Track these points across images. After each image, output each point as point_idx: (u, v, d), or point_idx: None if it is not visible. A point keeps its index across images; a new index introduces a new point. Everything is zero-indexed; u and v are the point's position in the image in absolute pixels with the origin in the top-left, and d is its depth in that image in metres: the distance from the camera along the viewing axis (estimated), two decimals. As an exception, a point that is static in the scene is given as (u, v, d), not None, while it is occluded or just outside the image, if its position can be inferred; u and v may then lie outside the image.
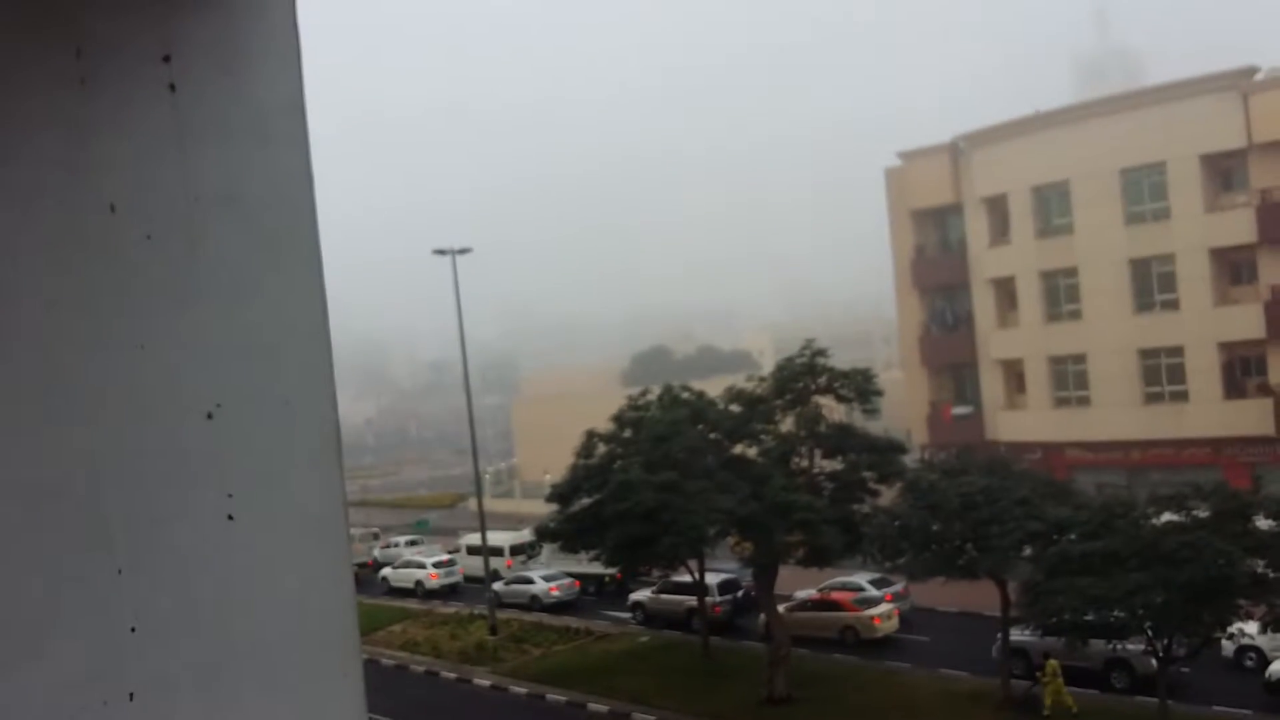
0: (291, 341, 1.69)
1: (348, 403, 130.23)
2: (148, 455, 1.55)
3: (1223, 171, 43.31)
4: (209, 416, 1.60)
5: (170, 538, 1.56)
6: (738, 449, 31.67)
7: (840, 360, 32.04)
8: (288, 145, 1.72)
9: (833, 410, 31.03)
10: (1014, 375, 49.52)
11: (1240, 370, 43.26)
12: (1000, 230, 49.36)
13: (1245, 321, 41.86)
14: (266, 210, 1.69)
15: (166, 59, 1.63)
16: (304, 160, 1.74)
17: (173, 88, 1.63)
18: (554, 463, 42.78)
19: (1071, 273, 46.48)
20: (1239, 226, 41.93)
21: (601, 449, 32.03)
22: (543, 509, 37.42)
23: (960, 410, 51.28)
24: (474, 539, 45.15)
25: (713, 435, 31.55)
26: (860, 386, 30.55)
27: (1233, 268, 43.38)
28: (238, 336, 1.64)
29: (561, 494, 32.32)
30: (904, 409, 52.39)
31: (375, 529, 55.46)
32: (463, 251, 39.93)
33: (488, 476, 64.94)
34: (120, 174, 1.58)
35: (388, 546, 52.53)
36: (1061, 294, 47.26)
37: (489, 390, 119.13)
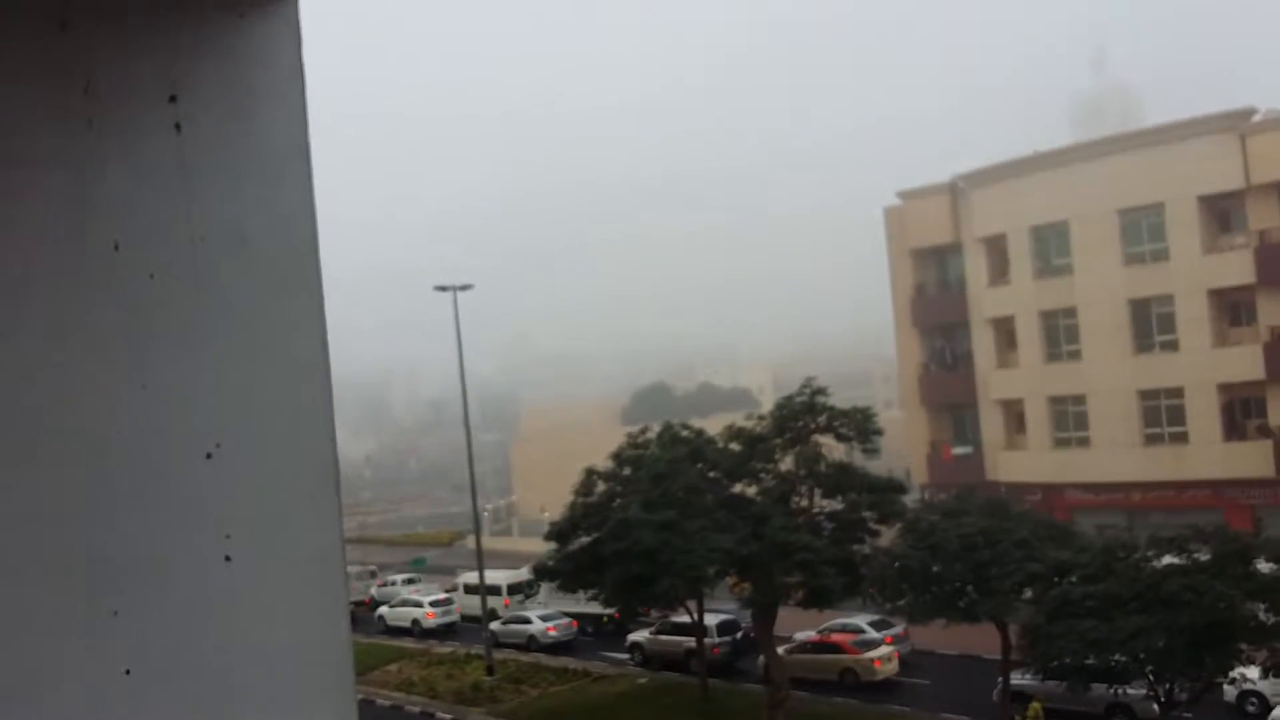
0: (292, 381, 1.69)
1: (347, 439, 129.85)
2: (147, 496, 1.55)
3: (1221, 212, 43.51)
4: (208, 456, 1.60)
5: (167, 579, 1.55)
6: (737, 488, 31.57)
7: (840, 398, 32.03)
8: (292, 185, 1.73)
9: (833, 449, 30.97)
10: (1014, 415, 49.47)
11: (1240, 412, 43.22)
12: (999, 270, 49.53)
13: (1245, 363, 41.87)
14: (270, 250, 1.70)
15: (173, 99, 1.64)
16: (308, 200, 1.75)
17: (178, 127, 1.64)
18: (552, 500, 42.62)
19: (1071, 313, 46.56)
20: (1238, 267, 42.05)
21: (600, 487, 31.94)
22: (541, 547, 37.22)
23: (960, 450, 51.18)
24: (471, 577, 44.89)
25: (712, 474, 31.47)
26: (860, 425, 30.50)
27: (1232, 309, 43.46)
28: (239, 376, 1.64)
29: (560, 532, 32.19)
30: (904, 448, 52.25)
31: (373, 567, 55.17)
32: (464, 288, 40.07)
33: (486, 514, 64.65)
34: (125, 212, 1.59)
35: (385, 584, 52.22)
36: (1061, 334, 47.31)
37: (488, 426, 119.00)
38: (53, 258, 1.53)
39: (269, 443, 1.65)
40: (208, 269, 1.64)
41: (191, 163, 1.64)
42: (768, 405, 37.67)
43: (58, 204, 1.54)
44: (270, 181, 1.71)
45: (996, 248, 49.31)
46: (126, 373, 1.56)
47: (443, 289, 39.99)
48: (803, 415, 30.70)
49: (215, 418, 1.61)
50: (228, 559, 1.60)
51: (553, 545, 32.77)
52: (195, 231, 1.63)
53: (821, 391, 30.62)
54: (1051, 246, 47.46)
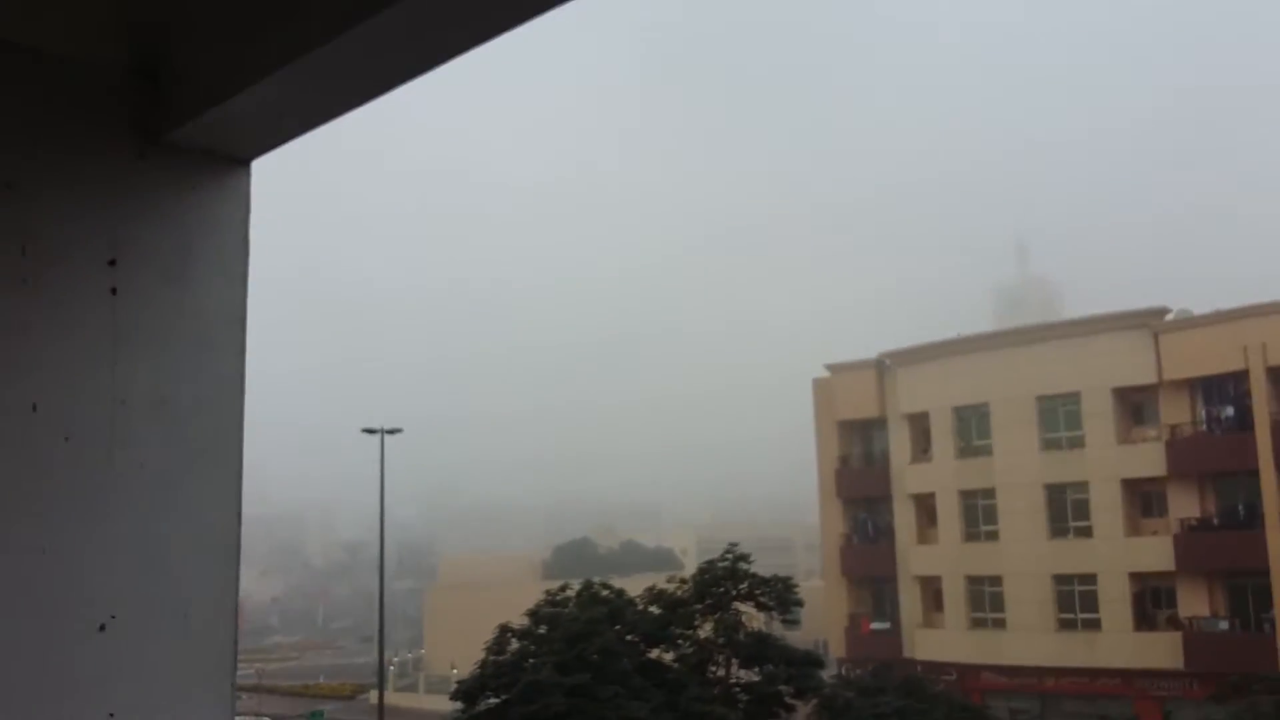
0: (199, 552, 1.65)
1: (254, 579, 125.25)
2: (32, 669, 1.48)
3: (1134, 405, 45.04)
4: (101, 629, 1.54)
5: None
6: (654, 653, 30.90)
7: (762, 565, 31.90)
8: (224, 354, 1.73)
9: (753, 618, 30.62)
10: (932, 592, 49.53)
11: (1151, 602, 43.75)
12: (922, 447, 50.41)
13: (1156, 553, 42.63)
14: (193, 418, 1.68)
15: (113, 263, 1.65)
16: (238, 370, 1.75)
17: (114, 291, 1.64)
18: (464, 655, 41.18)
19: (989, 494, 47.33)
20: (1150, 459, 43.27)
21: (514, 645, 31.02)
22: (446, 706, 35.79)
23: (879, 625, 50.88)
24: (371, 734, 42.87)
25: (630, 637, 30.80)
26: (781, 595, 30.31)
27: (1144, 499, 44.49)
28: (145, 545, 1.60)
29: (467, 691, 31.00)
30: (823, 619, 51.87)
31: (266, 718, 52.35)
32: (392, 431, 39.61)
33: (392, 667, 62.23)
34: (47, 373, 1.57)
35: (278, 737, 49.55)
36: (980, 514, 47.95)
37: (404, 574, 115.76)
38: None
39: (166, 616, 1.60)
40: (126, 433, 1.61)
41: (123, 326, 1.64)
42: (691, 567, 37.38)
43: None
44: (202, 350, 1.70)
45: (919, 425, 50.33)
46: (28, 536, 1.51)
47: (370, 432, 39.50)
48: (724, 581, 30.45)
49: (113, 587, 1.57)
50: None
51: (459, 705, 31.53)
52: (117, 395, 1.61)
53: (744, 558, 30.49)
54: (973, 427, 48.57)
